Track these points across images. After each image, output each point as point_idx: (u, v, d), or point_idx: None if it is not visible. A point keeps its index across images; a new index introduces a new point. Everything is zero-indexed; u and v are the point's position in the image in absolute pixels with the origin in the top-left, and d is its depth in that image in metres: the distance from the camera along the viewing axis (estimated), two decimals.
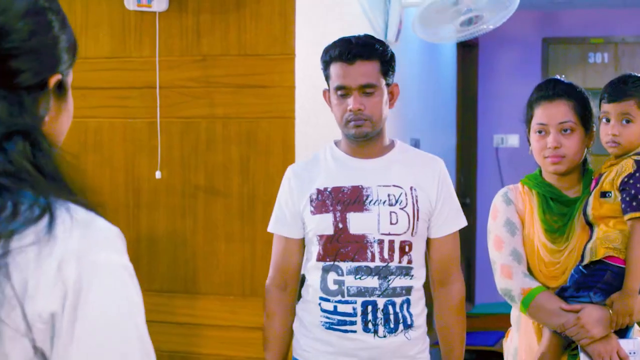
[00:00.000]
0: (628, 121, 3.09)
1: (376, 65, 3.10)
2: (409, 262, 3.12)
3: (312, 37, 4.26)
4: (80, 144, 4.36)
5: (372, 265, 3.08)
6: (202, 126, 4.21)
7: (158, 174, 4.20)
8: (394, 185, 3.14)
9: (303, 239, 3.23)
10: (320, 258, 3.14)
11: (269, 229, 3.28)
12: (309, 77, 4.18)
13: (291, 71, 4.07)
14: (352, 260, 3.09)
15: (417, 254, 3.15)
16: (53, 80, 1.45)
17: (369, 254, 3.08)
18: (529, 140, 3.30)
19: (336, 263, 3.11)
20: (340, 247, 3.11)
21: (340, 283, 3.10)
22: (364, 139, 3.13)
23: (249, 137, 4.14)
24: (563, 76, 3.32)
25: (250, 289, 4.16)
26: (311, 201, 3.16)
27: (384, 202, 3.11)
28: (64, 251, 1.31)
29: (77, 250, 1.32)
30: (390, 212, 3.10)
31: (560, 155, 3.16)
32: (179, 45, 4.23)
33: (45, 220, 1.31)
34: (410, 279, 3.12)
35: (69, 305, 1.29)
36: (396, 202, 3.11)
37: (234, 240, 4.17)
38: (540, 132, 3.20)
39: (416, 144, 6.42)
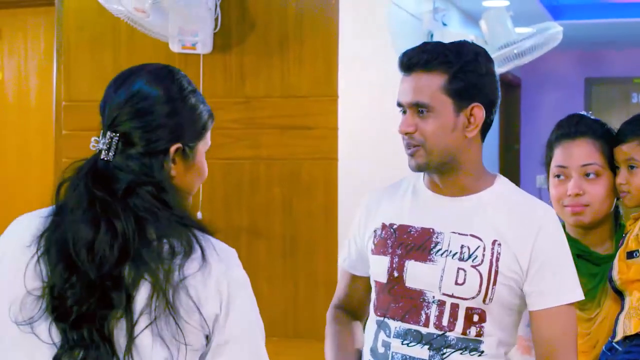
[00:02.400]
0: (632, 167, 2.64)
1: (438, 79, 2.40)
2: (479, 334, 2.40)
3: (355, 79, 4.27)
4: None
5: (423, 330, 2.41)
6: (245, 167, 4.23)
7: (199, 215, 4.22)
8: (472, 235, 2.42)
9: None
10: (375, 310, 2.54)
11: (339, 260, 2.82)
12: (351, 119, 4.19)
13: (334, 112, 4.08)
14: (402, 320, 2.45)
15: (496, 327, 2.42)
16: (173, 148, 1.96)
17: (423, 316, 2.42)
18: (548, 187, 2.84)
19: (386, 320, 2.49)
20: (392, 300, 2.48)
21: (387, 346, 2.47)
22: (422, 171, 2.50)
23: (291, 178, 4.15)
24: (590, 112, 2.88)
25: (293, 331, 4.15)
26: (374, 237, 2.56)
27: (453, 255, 2.42)
28: (218, 272, 1.89)
29: (225, 271, 1.91)
30: (458, 269, 2.40)
31: (582, 204, 2.67)
32: (222, 87, 4.26)
33: (199, 252, 1.87)
34: (479, 356, 2.41)
35: (224, 307, 1.91)
36: (469, 257, 2.41)
37: (277, 281, 4.17)
38: (558, 176, 2.74)
39: None
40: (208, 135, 2.10)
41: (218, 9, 4.18)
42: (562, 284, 2.41)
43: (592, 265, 2.69)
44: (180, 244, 1.86)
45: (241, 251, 4.23)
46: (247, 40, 4.22)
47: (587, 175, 2.68)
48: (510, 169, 8.81)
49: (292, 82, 4.16)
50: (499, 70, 5.36)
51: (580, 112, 2.86)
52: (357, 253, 2.65)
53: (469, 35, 5.47)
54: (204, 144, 2.08)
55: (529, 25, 5.58)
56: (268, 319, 4.14)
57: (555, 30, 5.06)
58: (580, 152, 2.70)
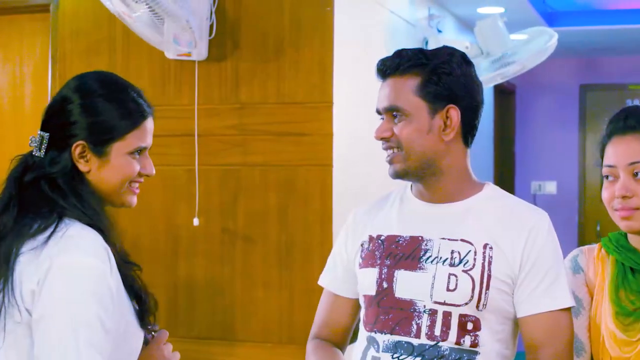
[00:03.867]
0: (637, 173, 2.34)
1: (411, 82, 2.36)
2: (474, 344, 2.29)
3: (350, 85, 4.28)
4: None
5: (415, 342, 2.30)
6: (240, 174, 4.23)
7: (196, 221, 4.22)
8: (462, 240, 2.34)
9: (357, 300, 2.53)
10: (364, 325, 2.44)
11: (319, 281, 2.65)
12: (347, 125, 4.19)
13: (329, 119, 4.08)
14: (391, 333, 2.34)
15: (492, 337, 2.32)
16: (74, 146, 2.14)
17: (414, 327, 2.31)
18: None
19: (374, 335, 2.38)
20: (381, 313, 2.37)
21: None
22: (402, 178, 2.43)
23: (287, 185, 4.15)
24: None
25: (288, 337, 4.15)
26: (362, 251, 2.48)
27: (444, 261, 2.33)
28: (47, 254, 2.02)
29: (56, 254, 2.01)
30: (449, 275, 2.31)
31: (632, 208, 2.32)
32: (217, 94, 4.27)
33: (47, 234, 2.04)
34: None
35: (40, 285, 1.99)
36: (460, 262, 2.32)
37: (272, 288, 4.17)
38: (607, 177, 2.39)
39: None
40: (133, 135, 2.21)
41: (213, 15, 4.19)
42: (550, 290, 2.32)
43: None
44: (39, 227, 2.05)
45: (237, 258, 4.28)
46: (242, 47, 4.23)
47: (636, 174, 2.33)
48: (505, 175, 8.82)
49: (287, 88, 4.16)
50: (495, 82, 5.37)
51: (634, 105, 2.48)
52: (343, 272, 2.55)
53: (464, 42, 5.50)
54: (125, 145, 2.19)
55: (524, 29, 5.60)
56: (263, 325, 4.17)
57: (550, 44, 5.08)
58: (628, 149, 2.34)
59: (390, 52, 2.45)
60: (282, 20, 4.17)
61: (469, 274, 2.30)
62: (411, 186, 2.50)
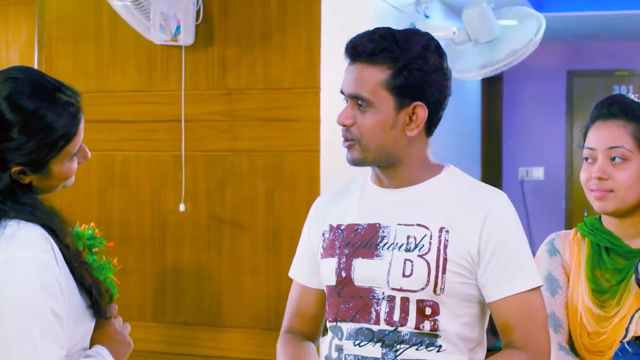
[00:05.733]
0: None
1: (380, 74, 2.28)
2: (433, 329, 2.26)
3: (337, 71, 4.26)
4: (108, 176, 4.38)
5: (375, 328, 2.28)
6: (227, 159, 4.23)
7: (182, 207, 4.21)
8: (418, 225, 2.30)
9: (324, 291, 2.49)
10: (328, 315, 2.43)
11: (289, 273, 2.63)
12: (334, 111, 4.15)
13: (317, 105, 4.08)
14: (352, 321, 2.32)
15: (453, 320, 2.29)
16: (13, 171, 2.07)
17: (373, 314, 2.29)
18: None
19: (338, 324, 2.35)
20: (341, 302, 2.35)
21: (339, 350, 2.34)
22: (358, 166, 2.37)
23: (274, 171, 4.15)
24: (636, 95, 2.60)
25: (275, 323, 4.15)
26: (323, 241, 2.44)
27: (400, 247, 2.29)
28: None
29: None
30: (405, 260, 2.27)
31: (606, 189, 2.46)
32: (204, 79, 4.26)
33: None
34: (437, 351, 2.27)
35: None
36: (415, 247, 2.28)
37: (259, 274, 4.17)
38: (587, 159, 2.52)
39: None
40: (70, 145, 2.12)
41: (200, 1, 4.17)
42: (516, 271, 2.26)
43: (619, 259, 2.49)
44: None
45: (224, 244, 4.27)
46: (229, 32, 4.22)
47: (613, 159, 2.46)
48: (493, 161, 8.83)
49: (275, 74, 4.15)
50: (486, 75, 5.37)
51: (620, 93, 2.63)
52: (309, 262, 2.51)
53: (452, 28, 5.48)
54: (64, 156, 2.12)
55: (509, 7, 5.58)
56: (251, 311, 4.17)
57: (539, 36, 5.08)
58: (609, 134, 2.47)
59: None
60: (269, 6, 4.16)
61: (424, 259, 2.26)
62: (371, 172, 2.44)
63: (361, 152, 2.30)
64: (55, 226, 2.08)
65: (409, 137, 2.31)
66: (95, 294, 2.13)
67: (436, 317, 2.26)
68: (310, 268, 2.50)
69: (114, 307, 2.26)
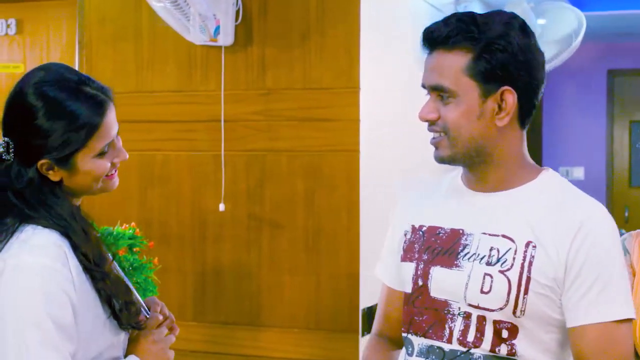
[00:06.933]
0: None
1: (460, 59, 2.07)
2: (511, 354, 2.04)
3: (376, 71, 4.26)
4: (148, 176, 4.40)
5: (446, 347, 2.09)
6: (266, 159, 4.23)
7: (222, 207, 4.22)
8: (503, 236, 2.08)
9: None
10: (402, 324, 2.25)
11: (375, 270, 2.44)
12: (373, 111, 4.18)
13: (356, 104, 4.07)
14: (425, 336, 2.14)
15: (532, 346, 2.06)
16: (39, 164, 2.11)
17: (447, 331, 2.10)
18: None
19: (409, 336, 2.19)
20: (416, 313, 2.17)
21: None
22: (446, 164, 2.17)
23: (313, 171, 4.15)
24: None
25: (314, 323, 4.15)
26: (404, 242, 2.26)
27: (481, 259, 2.08)
28: (2, 255, 2.03)
29: (9, 256, 2.03)
30: (485, 274, 2.06)
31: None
32: (244, 79, 4.26)
33: (5, 240, 2.05)
34: None
35: None
36: (497, 260, 2.06)
37: (299, 274, 4.17)
38: None
39: None
40: (94, 139, 2.14)
41: (239, 1, 4.18)
42: (601, 298, 2.01)
43: None
44: (3, 229, 2.08)
45: (263, 243, 4.28)
46: (269, 32, 4.22)
47: None
48: (533, 160, 8.78)
49: (314, 74, 4.15)
50: None
51: None
52: (393, 262, 2.31)
53: None
54: (89, 151, 2.14)
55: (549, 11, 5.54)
56: (290, 310, 4.17)
57: (579, 38, 5.05)
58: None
59: (417, 38, 2.32)
60: (308, 5, 4.16)
61: (505, 275, 2.04)
62: (463, 170, 2.23)
63: (450, 148, 2.11)
64: (73, 233, 2.10)
65: (499, 128, 2.10)
66: (119, 305, 2.13)
67: (513, 341, 2.05)
68: (394, 269, 2.31)
69: (154, 318, 2.26)
